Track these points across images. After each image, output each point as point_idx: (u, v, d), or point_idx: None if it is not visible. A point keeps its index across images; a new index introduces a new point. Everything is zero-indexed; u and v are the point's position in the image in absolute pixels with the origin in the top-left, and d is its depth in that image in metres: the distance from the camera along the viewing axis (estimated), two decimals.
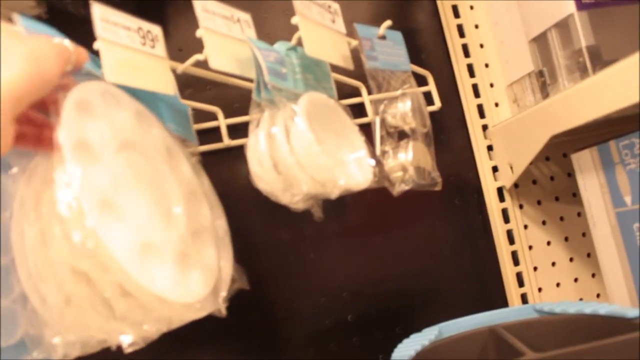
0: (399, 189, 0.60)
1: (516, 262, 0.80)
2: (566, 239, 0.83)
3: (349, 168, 0.57)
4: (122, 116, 0.47)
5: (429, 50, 0.84)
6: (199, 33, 0.53)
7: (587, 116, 0.60)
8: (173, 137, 0.53)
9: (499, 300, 0.80)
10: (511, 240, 0.81)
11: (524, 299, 0.79)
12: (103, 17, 0.47)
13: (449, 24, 0.84)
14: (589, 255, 0.83)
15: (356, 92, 0.75)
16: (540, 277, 0.80)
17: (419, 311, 0.78)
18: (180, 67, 0.58)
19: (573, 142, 0.77)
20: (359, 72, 0.65)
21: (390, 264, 0.78)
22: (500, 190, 0.81)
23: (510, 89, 0.80)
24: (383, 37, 0.65)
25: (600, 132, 0.72)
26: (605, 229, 0.66)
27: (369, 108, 0.73)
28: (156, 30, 0.53)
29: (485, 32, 0.85)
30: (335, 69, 0.63)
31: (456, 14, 0.85)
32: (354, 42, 0.63)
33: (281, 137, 0.52)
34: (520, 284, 0.80)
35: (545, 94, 0.71)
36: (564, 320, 0.56)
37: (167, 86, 0.52)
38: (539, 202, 0.83)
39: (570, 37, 0.65)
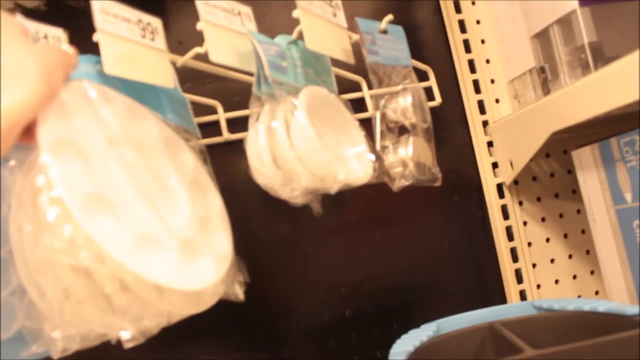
0: (398, 184, 0.59)
1: (515, 258, 0.80)
2: (565, 235, 0.83)
3: (349, 163, 0.57)
4: (112, 112, 0.46)
5: (430, 46, 0.84)
6: (199, 26, 0.53)
7: (589, 113, 0.59)
8: (173, 128, 0.53)
9: (498, 296, 0.80)
10: (510, 237, 0.80)
11: (523, 295, 0.79)
12: (103, 9, 0.47)
13: (451, 20, 0.84)
14: (588, 252, 0.83)
15: (357, 87, 0.74)
16: (539, 274, 0.80)
17: (417, 307, 0.78)
18: (180, 60, 0.58)
19: (574, 139, 0.77)
20: (359, 67, 0.65)
21: (389, 260, 0.78)
22: (500, 187, 0.81)
23: (511, 85, 0.80)
24: (384, 32, 0.64)
25: (601, 129, 0.72)
26: (605, 226, 0.66)
27: (369, 103, 0.73)
28: (156, 22, 0.53)
29: (486, 28, 0.84)
30: (336, 63, 0.63)
31: (458, 10, 0.85)
32: (355, 37, 0.62)
33: (281, 131, 0.52)
34: (519, 280, 0.80)
35: (546, 91, 0.71)
36: (562, 317, 0.56)
37: (167, 79, 0.52)
38: (538, 199, 0.82)
39: (573, 33, 0.65)
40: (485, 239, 0.81)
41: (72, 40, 0.50)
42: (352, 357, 0.74)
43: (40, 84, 0.35)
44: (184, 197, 0.48)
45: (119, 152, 0.45)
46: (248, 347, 0.71)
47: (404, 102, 0.62)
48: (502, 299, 0.80)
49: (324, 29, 0.58)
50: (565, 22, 0.66)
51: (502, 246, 0.80)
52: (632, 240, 0.63)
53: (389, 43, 0.63)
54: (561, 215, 0.83)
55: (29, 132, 0.40)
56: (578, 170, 0.70)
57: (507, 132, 0.77)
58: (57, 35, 0.53)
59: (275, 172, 0.53)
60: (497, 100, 0.83)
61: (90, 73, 0.49)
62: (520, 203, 0.81)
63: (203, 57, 0.53)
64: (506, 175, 0.79)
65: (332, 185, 0.53)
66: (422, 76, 0.79)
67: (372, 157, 0.58)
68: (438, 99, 0.80)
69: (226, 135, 0.71)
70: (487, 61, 0.84)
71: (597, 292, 0.82)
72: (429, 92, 0.79)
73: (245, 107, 0.56)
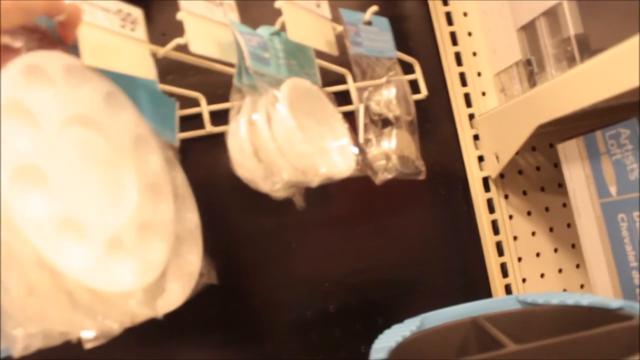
0: (381, 177, 0.59)
1: (500, 252, 0.80)
2: (551, 229, 0.83)
3: (331, 156, 0.56)
4: (84, 92, 0.46)
5: (416, 38, 0.83)
6: (179, 16, 0.52)
7: (574, 105, 0.59)
8: (148, 126, 0.52)
9: (483, 290, 0.80)
10: (496, 231, 0.80)
11: (508, 289, 0.79)
12: None
13: (437, 12, 0.83)
14: (573, 246, 0.83)
15: (342, 79, 0.74)
16: (525, 268, 0.80)
17: (402, 301, 0.77)
18: (161, 51, 0.57)
19: (560, 132, 0.77)
20: (344, 59, 0.64)
21: (374, 254, 0.77)
22: (485, 180, 0.81)
23: (497, 78, 0.80)
24: (369, 23, 0.64)
25: (587, 123, 0.72)
26: (590, 220, 0.66)
27: (354, 95, 0.72)
28: (137, 12, 0.52)
29: (473, 20, 0.84)
30: (321, 55, 0.62)
31: (445, 2, 0.84)
32: (339, 28, 0.62)
33: (262, 123, 0.51)
34: (505, 274, 0.79)
35: (532, 83, 0.71)
36: (547, 311, 0.56)
37: (147, 70, 0.51)
38: (524, 193, 0.82)
39: (559, 26, 0.64)
40: (471, 232, 0.81)
41: None
42: (336, 352, 0.74)
43: None
44: (133, 197, 0.47)
45: (79, 133, 0.44)
46: (230, 343, 0.70)
47: (387, 95, 0.61)
48: (487, 293, 0.80)
49: (306, 20, 0.57)
50: (552, 15, 0.65)
51: (487, 240, 0.79)
52: (617, 233, 0.62)
53: (373, 35, 0.63)
54: (547, 209, 0.83)
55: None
56: (563, 163, 0.69)
57: (493, 125, 0.77)
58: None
59: (256, 165, 0.52)
60: (483, 93, 0.82)
61: None
62: (506, 196, 0.81)
63: (185, 49, 0.52)
64: (492, 169, 0.79)
65: (314, 178, 0.52)
66: (408, 69, 0.78)
67: (355, 150, 0.57)
68: (424, 91, 0.79)
69: (209, 128, 0.70)
70: (474, 54, 0.83)
71: (582, 286, 0.82)
72: (414, 84, 0.79)
73: (229, 99, 0.55)
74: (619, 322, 0.45)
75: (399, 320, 0.61)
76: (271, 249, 0.74)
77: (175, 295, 0.47)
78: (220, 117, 0.70)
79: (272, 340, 0.72)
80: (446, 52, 0.82)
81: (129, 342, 0.49)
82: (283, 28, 0.56)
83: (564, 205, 0.83)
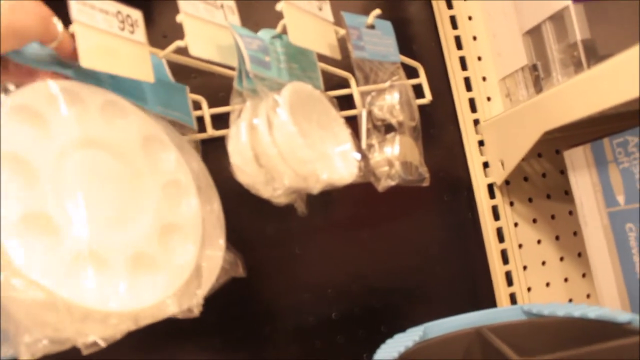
0: (384, 184, 0.58)
1: (505, 260, 0.78)
2: (557, 237, 0.81)
3: (333, 162, 0.55)
4: (79, 114, 0.45)
5: (420, 42, 0.82)
6: (179, 18, 0.51)
7: (581, 112, 0.58)
8: (159, 121, 0.52)
9: (487, 299, 0.79)
10: (501, 238, 0.79)
11: (513, 298, 0.78)
12: (79, 1, 0.46)
13: (442, 15, 0.82)
14: (579, 254, 0.82)
15: (345, 83, 0.73)
16: (530, 277, 0.79)
17: (405, 309, 0.76)
18: (161, 54, 0.56)
19: (566, 138, 0.76)
20: (348, 63, 0.63)
21: (377, 261, 0.76)
22: (490, 187, 0.80)
23: (502, 83, 0.79)
24: (372, 27, 0.63)
25: (594, 129, 0.70)
26: (597, 229, 0.65)
27: (358, 100, 0.71)
28: (136, 14, 0.51)
29: (478, 25, 0.83)
30: (325, 59, 0.61)
31: (449, 5, 0.83)
32: (342, 31, 0.61)
33: (263, 128, 0.51)
34: (510, 283, 0.78)
35: (538, 89, 0.69)
36: (552, 323, 0.54)
37: (146, 73, 0.51)
38: (530, 200, 0.81)
39: (565, 31, 0.63)
40: (476, 240, 0.80)
41: None
42: (338, 359, 0.73)
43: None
44: (152, 201, 0.47)
45: (78, 159, 0.44)
46: (231, 348, 0.69)
47: (390, 100, 0.60)
48: (491, 302, 0.79)
49: (308, 23, 0.56)
50: (558, 19, 0.64)
51: (492, 248, 0.78)
52: (625, 243, 0.61)
53: (376, 38, 0.62)
54: (553, 217, 0.81)
55: None
56: (570, 171, 0.68)
57: (498, 131, 0.76)
58: None
59: (257, 170, 0.52)
60: (488, 99, 0.81)
61: None
62: (512, 204, 0.80)
63: (185, 51, 0.52)
64: (497, 175, 0.78)
65: (315, 184, 0.51)
66: (412, 73, 0.77)
67: (358, 156, 0.56)
68: (428, 96, 0.78)
69: (210, 132, 0.69)
70: (479, 58, 0.82)
71: (588, 296, 0.81)
72: (419, 89, 0.78)
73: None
74: (627, 336, 0.44)
75: (402, 328, 0.60)
76: (274, 255, 0.73)
77: (160, 287, 0.46)
78: (222, 121, 0.69)
79: (273, 346, 0.71)
80: (451, 57, 0.81)
81: (129, 346, 0.48)
82: (285, 31, 0.55)
83: (570, 213, 0.82)
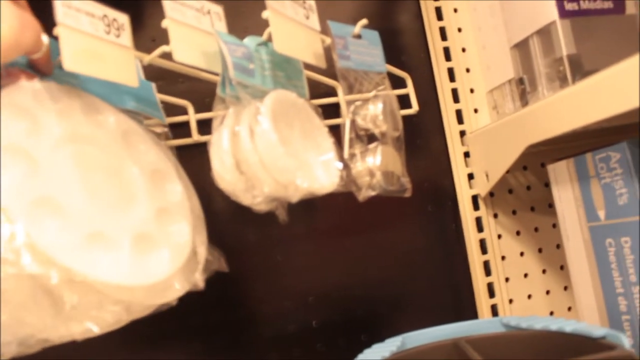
0: (365, 194, 0.58)
1: (488, 272, 0.79)
2: (540, 250, 0.82)
3: (315, 171, 0.55)
4: (63, 111, 0.46)
5: (409, 52, 0.83)
6: (164, 23, 0.51)
7: (565, 126, 0.58)
8: (132, 117, 0.53)
9: (469, 310, 0.79)
10: (484, 250, 0.79)
11: (494, 310, 0.78)
12: (65, 3, 0.46)
13: (432, 26, 0.82)
14: (562, 267, 0.82)
15: (332, 92, 0.73)
16: (512, 289, 0.79)
17: (386, 319, 0.76)
18: (147, 59, 0.56)
19: (551, 152, 0.76)
20: (334, 72, 0.63)
21: (359, 270, 0.76)
22: (475, 198, 0.80)
23: (490, 96, 0.79)
24: (358, 36, 0.63)
25: (579, 143, 0.71)
26: (578, 243, 0.65)
27: (344, 109, 0.71)
28: (123, 18, 0.51)
29: (467, 36, 0.83)
30: (312, 67, 0.61)
31: (439, 17, 0.83)
32: (329, 40, 0.61)
33: (244, 135, 0.51)
34: (491, 294, 0.78)
35: (524, 102, 0.70)
36: (529, 336, 0.54)
37: (130, 77, 0.51)
38: (514, 212, 0.81)
39: (552, 45, 0.64)
40: (459, 251, 0.80)
41: None
42: None
43: (16, 24, 0.40)
44: (142, 189, 0.49)
45: (71, 151, 0.45)
46: (210, 354, 0.69)
47: (374, 110, 0.60)
48: (473, 313, 0.79)
49: (294, 32, 0.56)
50: (545, 34, 0.64)
51: (475, 259, 0.78)
52: (604, 258, 0.61)
53: (363, 48, 0.62)
54: (536, 229, 0.82)
55: None
56: (553, 184, 0.68)
57: (484, 143, 0.76)
58: None
59: (237, 177, 0.52)
60: (475, 110, 0.81)
61: None
62: (495, 215, 0.80)
63: (171, 56, 0.52)
64: (482, 187, 0.78)
65: (295, 193, 0.51)
66: (399, 83, 0.78)
67: (340, 165, 0.56)
68: (415, 106, 0.79)
69: (196, 137, 0.69)
70: (467, 70, 0.82)
71: (569, 308, 0.81)
72: (406, 99, 0.78)
73: None
74: (601, 351, 0.44)
75: (383, 337, 0.60)
76: (256, 261, 0.72)
77: (166, 263, 0.48)
78: (208, 126, 0.68)
79: (253, 352, 0.71)
80: (439, 68, 0.82)
81: (108, 349, 0.48)
82: (270, 39, 0.55)
83: (554, 226, 0.82)
